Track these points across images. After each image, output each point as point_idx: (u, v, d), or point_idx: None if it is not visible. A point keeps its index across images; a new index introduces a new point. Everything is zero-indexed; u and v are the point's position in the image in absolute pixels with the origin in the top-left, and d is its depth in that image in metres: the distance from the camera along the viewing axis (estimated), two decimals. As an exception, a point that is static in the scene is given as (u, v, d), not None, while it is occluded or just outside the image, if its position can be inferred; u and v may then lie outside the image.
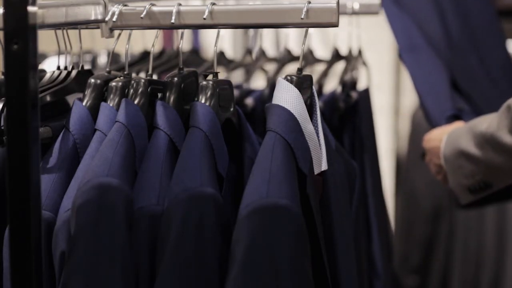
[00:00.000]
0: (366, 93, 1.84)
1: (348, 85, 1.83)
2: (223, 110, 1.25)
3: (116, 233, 1.09)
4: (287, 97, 1.20)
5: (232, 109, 1.27)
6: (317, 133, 1.23)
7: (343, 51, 1.94)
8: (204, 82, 1.24)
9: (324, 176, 1.24)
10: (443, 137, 1.64)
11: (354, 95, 1.78)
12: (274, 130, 1.16)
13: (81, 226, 1.09)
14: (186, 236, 1.09)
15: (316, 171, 1.20)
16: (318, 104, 1.25)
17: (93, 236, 1.08)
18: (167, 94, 1.25)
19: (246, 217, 1.07)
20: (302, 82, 1.22)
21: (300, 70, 1.23)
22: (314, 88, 1.26)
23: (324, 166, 1.22)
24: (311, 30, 1.26)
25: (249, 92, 1.83)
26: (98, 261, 1.08)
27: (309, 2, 1.17)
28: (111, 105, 1.25)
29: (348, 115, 1.78)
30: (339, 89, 1.80)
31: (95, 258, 1.08)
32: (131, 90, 1.25)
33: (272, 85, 1.83)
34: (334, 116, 1.76)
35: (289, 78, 1.22)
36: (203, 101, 1.23)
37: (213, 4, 1.20)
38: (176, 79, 1.26)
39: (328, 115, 1.73)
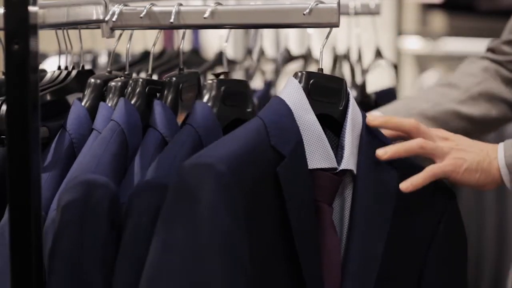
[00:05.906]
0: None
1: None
2: (232, 110, 1.25)
3: (99, 230, 1.09)
4: (286, 89, 1.20)
5: (249, 109, 1.27)
6: (344, 135, 1.20)
7: (342, 51, 1.94)
8: (208, 81, 1.25)
9: (355, 180, 1.21)
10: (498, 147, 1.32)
11: None
12: (259, 116, 1.15)
13: (65, 222, 1.09)
14: (141, 227, 1.09)
15: (321, 165, 1.18)
16: (351, 110, 1.21)
17: (75, 233, 1.09)
18: (165, 94, 1.26)
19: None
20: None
21: (321, 70, 1.22)
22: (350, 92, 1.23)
23: (344, 165, 1.19)
24: (311, 30, 1.26)
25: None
26: (80, 258, 1.08)
27: (310, 3, 1.17)
28: (109, 105, 1.25)
29: None
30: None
31: (77, 256, 1.08)
32: (129, 90, 1.25)
33: (267, 85, 1.83)
34: None
35: (299, 74, 1.21)
36: (204, 100, 1.23)
37: (215, 4, 1.20)
38: (174, 78, 1.26)
39: None
